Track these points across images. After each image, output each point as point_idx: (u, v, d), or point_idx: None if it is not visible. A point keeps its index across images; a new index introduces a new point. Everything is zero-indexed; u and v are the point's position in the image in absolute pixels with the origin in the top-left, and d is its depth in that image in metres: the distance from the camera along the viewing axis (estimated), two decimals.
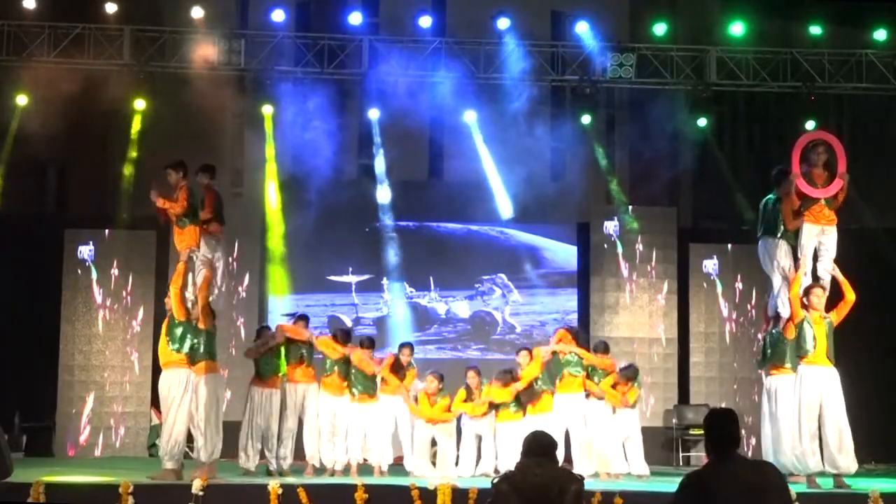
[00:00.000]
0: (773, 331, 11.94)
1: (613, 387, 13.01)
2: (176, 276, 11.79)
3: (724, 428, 5.48)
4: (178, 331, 11.61)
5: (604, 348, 13.33)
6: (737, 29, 15.94)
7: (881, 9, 16.01)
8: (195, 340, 11.64)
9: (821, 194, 11.78)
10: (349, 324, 16.59)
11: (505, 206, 17.00)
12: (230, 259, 12.83)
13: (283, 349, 12.88)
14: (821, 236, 11.87)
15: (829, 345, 11.43)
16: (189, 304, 11.80)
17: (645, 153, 17.32)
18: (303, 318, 13.33)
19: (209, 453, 11.68)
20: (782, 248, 12.00)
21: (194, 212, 11.97)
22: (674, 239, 17.38)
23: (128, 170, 16.22)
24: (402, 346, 13.26)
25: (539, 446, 5.82)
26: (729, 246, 17.20)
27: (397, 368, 12.89)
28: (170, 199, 11.83)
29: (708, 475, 5.41)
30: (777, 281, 11.98)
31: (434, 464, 12.88)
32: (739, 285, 17.09)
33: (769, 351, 11.97)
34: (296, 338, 12.86)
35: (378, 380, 12.87)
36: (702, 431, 16.00)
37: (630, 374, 13.20)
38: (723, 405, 16.75)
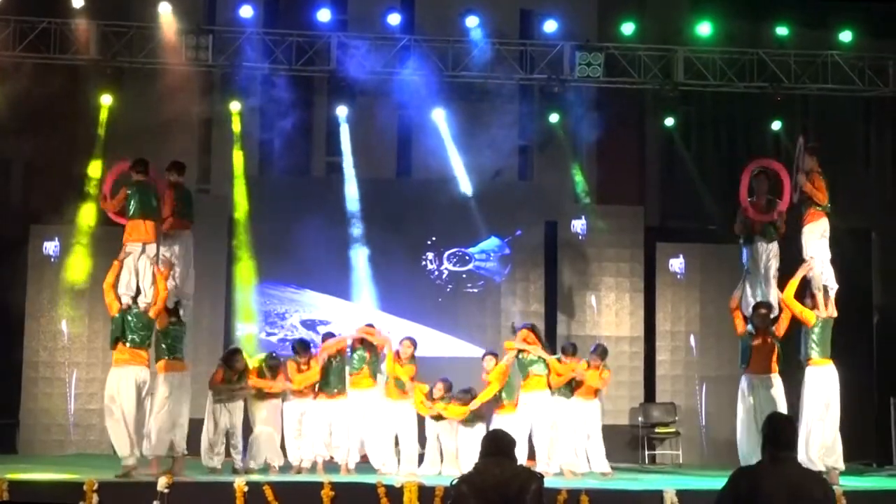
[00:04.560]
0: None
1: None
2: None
3: (782, 430, 5.59)
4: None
5: (572, 350, 13.42)
6: (704, 29, 16.02)
7: (847, 10, 16.14)
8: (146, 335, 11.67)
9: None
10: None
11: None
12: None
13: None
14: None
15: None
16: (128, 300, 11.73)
17: (612, 152, 17.38)
18: (272, 362, 13.04)
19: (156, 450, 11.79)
20: (774, 250, 12.36)
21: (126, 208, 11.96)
22: (641, 238, 17.43)
23: (94, 166, 16.15)
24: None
25: (497, 446, 5.80)
26: (695, 245, 17.28)
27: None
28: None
29: (756, 472, 5.49)
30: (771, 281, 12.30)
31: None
32: (705, 284, 17.15)
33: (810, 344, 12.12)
34: (265, 390, 12.82)
35: (347, 374, 12.87)
36: (667, 430, 16.37)
37: (600, 352, 13.43)
38: (687, 404, 16.87)
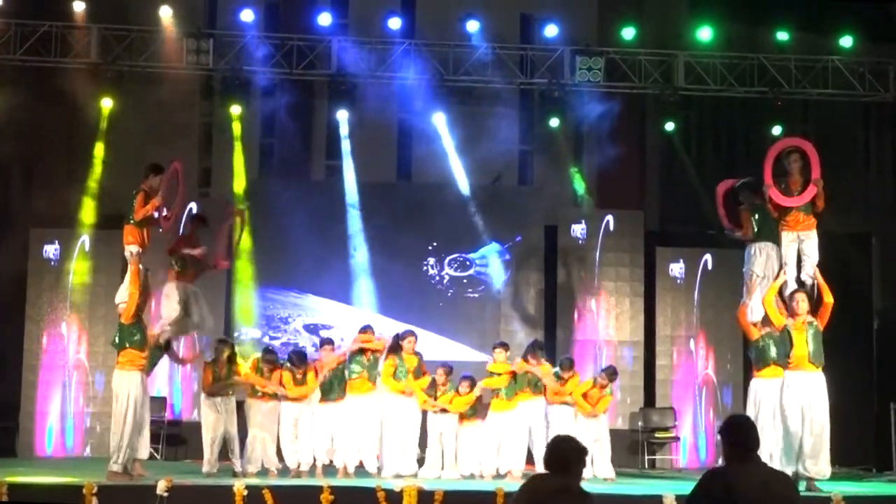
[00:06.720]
0: (763, 334, 11.96)
1: (585, 396, 13.11)
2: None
3: (743, 432, 5.62)
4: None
5: (569, 365, 13.35)
6: (704, 34, 16.03)
7: (847, 15, 16.15)
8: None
9: (794, 203, 11.88)
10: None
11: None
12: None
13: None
14: (799, 243, 11.99)
15: (814, 349, 11.54)
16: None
17: (612, 157, 17.37)
18: (268, 357, 12.91)
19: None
20: (776, 253, 12.14)
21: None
22: (640, 242, 17.43)
23: (95, 169, 16.16)
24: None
25: (556, 460, 5.51)
26: (695, 250, 17.28)
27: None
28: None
29: (728, 473, 5.51)
30: (765, 285, 12.07)
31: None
32: (705, 289, 17.14)
33: (757, 354, 11.94)
34: (259, 387, 12.74)
35: (347, 375, 12.80)
36: (667, 434, 16.37)
37: (610, 373, 13.35)
38: (687, 408, 16.87)
